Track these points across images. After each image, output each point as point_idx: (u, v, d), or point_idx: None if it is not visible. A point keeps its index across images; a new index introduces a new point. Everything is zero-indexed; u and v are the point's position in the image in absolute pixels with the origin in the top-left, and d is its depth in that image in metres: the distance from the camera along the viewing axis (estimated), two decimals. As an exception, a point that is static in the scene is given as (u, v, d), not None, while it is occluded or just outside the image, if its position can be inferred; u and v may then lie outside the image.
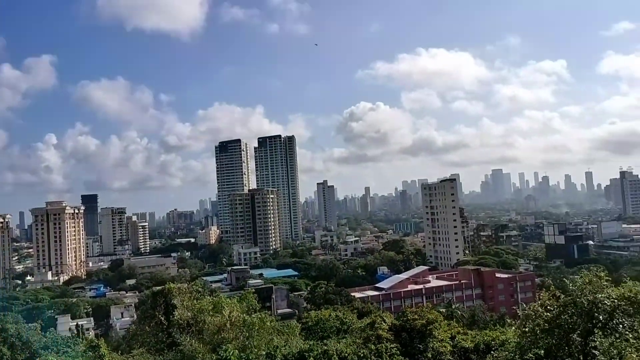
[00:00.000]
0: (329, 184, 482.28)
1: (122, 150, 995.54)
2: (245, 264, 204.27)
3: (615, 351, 17.96)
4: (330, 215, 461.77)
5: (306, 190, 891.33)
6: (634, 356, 15.79)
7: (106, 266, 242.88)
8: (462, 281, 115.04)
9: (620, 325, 18.21)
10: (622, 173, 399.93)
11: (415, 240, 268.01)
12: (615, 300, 18.33)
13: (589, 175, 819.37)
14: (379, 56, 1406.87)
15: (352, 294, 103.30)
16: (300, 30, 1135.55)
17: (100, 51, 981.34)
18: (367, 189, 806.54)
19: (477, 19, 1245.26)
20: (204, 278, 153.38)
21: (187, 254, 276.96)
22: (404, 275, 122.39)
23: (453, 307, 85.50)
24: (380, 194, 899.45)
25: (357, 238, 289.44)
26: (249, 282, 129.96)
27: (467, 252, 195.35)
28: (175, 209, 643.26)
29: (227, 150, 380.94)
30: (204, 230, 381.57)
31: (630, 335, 18.18)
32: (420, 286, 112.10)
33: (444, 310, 74.73)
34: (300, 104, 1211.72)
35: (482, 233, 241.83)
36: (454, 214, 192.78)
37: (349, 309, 68.38)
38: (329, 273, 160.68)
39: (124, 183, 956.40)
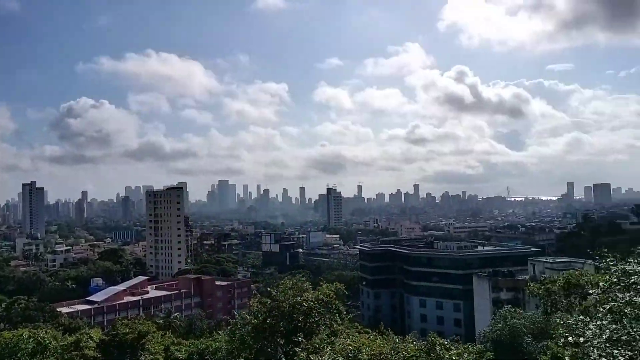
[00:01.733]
0: (37, 186, 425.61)
1: None
2: None
3: (310, 347, 20.06)
4: (37, 221, 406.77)
5: (7, 192, 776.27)
6: (328, 350, 17.78)
7: None
8: (182, 290, 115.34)
9: (315, 324, 20.65)
10: (329, 190, 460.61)
11: (136, 249, 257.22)
12: (311, 302, 20.75)
13: (302, 190, 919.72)
14: (105, 51, 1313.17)
15: (59, 309, 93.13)
16: (8, 5, 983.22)
17: None
18: (84, 193, 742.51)
19: (209, 31, 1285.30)
20: None
21: None
22: (120, 287, 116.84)
23: (171, 317, 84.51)
24: (100, 199, 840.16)
25: (68, 247, 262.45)
26: None
27: (189, 260, 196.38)
28: None
29: None
30: None
31: (325, 333, 20.63)
32: (138, 297, 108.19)
33: (161, 321, 73.26)
34: (4, 91, 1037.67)
35: (205, 242, 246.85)
36: (178, 222, 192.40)
37: (54, 327, 61.89)
38: (31, 287, 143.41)
39: None
